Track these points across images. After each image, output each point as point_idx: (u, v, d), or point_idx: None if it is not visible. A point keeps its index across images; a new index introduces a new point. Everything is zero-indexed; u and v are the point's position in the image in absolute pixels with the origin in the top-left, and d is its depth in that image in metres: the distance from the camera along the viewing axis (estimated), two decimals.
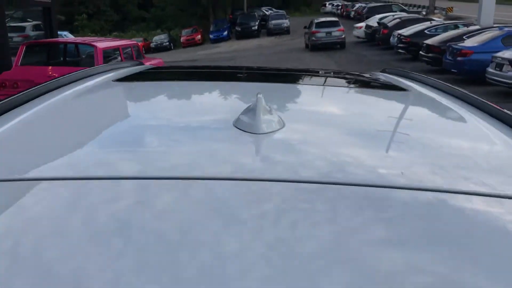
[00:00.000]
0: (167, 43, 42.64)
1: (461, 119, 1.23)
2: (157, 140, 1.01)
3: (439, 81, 1.56)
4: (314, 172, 0.84)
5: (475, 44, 14.40)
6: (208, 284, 0.53)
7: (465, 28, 18.62)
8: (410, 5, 46.65)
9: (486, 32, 15.43)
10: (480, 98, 1.31)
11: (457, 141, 1.09)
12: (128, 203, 0.72)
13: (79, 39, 13.20)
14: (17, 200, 0.74)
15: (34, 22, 15.17)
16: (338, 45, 26.01)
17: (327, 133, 1.11)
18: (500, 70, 12.03)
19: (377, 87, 1.78)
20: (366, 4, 47.46)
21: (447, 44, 15.24)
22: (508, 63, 11.80)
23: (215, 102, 1.41)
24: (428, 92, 1.50)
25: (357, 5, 47.77)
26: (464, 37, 16.12)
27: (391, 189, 0.77)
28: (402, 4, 45.17)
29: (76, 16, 52.39)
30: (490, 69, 12.48)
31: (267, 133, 0.94)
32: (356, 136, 1.09)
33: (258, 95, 1.00)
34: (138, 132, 1.07)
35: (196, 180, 0.79)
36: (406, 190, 0.76)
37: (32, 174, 0.83)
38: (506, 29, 14.69)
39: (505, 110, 1.18)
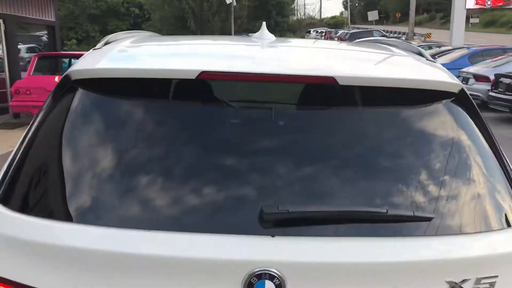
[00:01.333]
0: None
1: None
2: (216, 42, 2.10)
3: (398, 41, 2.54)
4: (292, 44, 1.90)
5: (446, 62, 15.68)
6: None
7: (437, 49, 20.05)
8: (391, 32, 48.65)
9: (456, 52, 16.80)
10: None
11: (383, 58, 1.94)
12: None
13: (84, 52, 14.27)
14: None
15: (28, 45, 16.25)
16: None
17: (305, 43, 2.18)
18: (466, 83, 13.26)
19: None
20: (349, 30, 49.39)
21: None
22: (472, 76, 13.06)
23: (237, 38, 2.46)
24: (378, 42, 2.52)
25: (340, 31, 49.68)
26: (436, 56, 17.46)
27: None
28: (383, 30, 47.12)
29: (66, 41, 53.41)
30: None
31: (269, 39, 1.95)
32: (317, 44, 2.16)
33: (263, 23, 2.03)
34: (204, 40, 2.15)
35: (238, 43, 1.85)
36: None
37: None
38: (473, 48, 16.08)
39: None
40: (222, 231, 1.21)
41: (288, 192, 1.27)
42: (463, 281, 1.23)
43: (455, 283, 1.22)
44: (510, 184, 1.38)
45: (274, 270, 1.16)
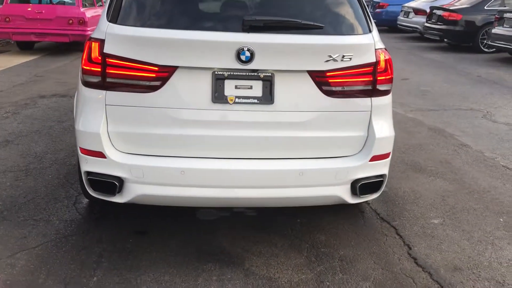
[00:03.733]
0: None
1: None
2: None
3: None
4: None
5: None
6: None
7: None
8: None
9: None
10: None
11: None
12: None
13: None
14: None
15: None
16: None
17: None
18: (407, 17, 14.81)
19: None
20: None
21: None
22: (412, 10, 14.59)
23: None
24: None
25: None
26: None
27: None
28: None
29: None
30: (400, 17, 15.27)
31: None
32: None
33: None
34: None
35: None
36: None
37: None
38: None
39: None
40: (224, 30, 2.56)
41: (256, 12, 2.63)
42: (337, 56, 2.62)
43: (332, 56, 2.62)
44: (365, 16, 2.79)
45: (249, 46, 2.52)
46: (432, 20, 12.59)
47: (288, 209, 3.49)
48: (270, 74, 2.61)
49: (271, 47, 2.57)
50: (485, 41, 11.65)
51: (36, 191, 3.73)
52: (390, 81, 2.80)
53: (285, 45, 2.58)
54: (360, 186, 2.80)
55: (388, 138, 2.87)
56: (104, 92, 2.61)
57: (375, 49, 2.72)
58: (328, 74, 2.65)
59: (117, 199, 2.72)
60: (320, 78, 2.66)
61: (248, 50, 2.52)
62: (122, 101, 2.61)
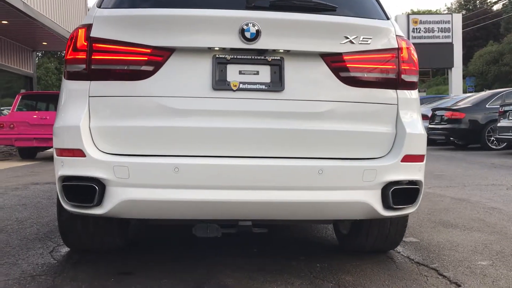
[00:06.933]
0: None
1: None
2: None
3: None
4: None
5: None
6: None
7: None
8: None
9: None
10: None
11: None
12: None
13: None
14: None
15: None
16: None
17: None
18: None
19: None
20: None
21: None
22: None
23: None
24: None
25: None
26: None
27: None
28: None
29: None
30: None
31: None
32: None
33: None
34: None
35: None
36: None
37: None
38: None
39: None
40: (225, 8, 2.27)
41: None
42: (355, 38, 2.31)
43: (348, 37, 2.31)
44: (381, 7, 2.53)
45: (254, 22, 2.22)
46: (436, 121, 12.62)
47: (304, 253, 2.91)
48: (279, 58, 2.28)
49: (280, 24, 2.27)
50: (491, 138, 11.51)
51: (8, 243, 3.18)
52: (415, 72, 2.46)
53: (296, 21, 2.29)
54: (393, 193, 2.30)
55: (420, 136, 2.43)
56: (88, 82, 2.26)
57: (396, 35, 2.43)
58: (345, 57, 2.32)
59: (97, 210, 2.21)
60: (336, 63, 2.32)
61: (253, 26, 2.22)
62: (108, 91, 2.25)
